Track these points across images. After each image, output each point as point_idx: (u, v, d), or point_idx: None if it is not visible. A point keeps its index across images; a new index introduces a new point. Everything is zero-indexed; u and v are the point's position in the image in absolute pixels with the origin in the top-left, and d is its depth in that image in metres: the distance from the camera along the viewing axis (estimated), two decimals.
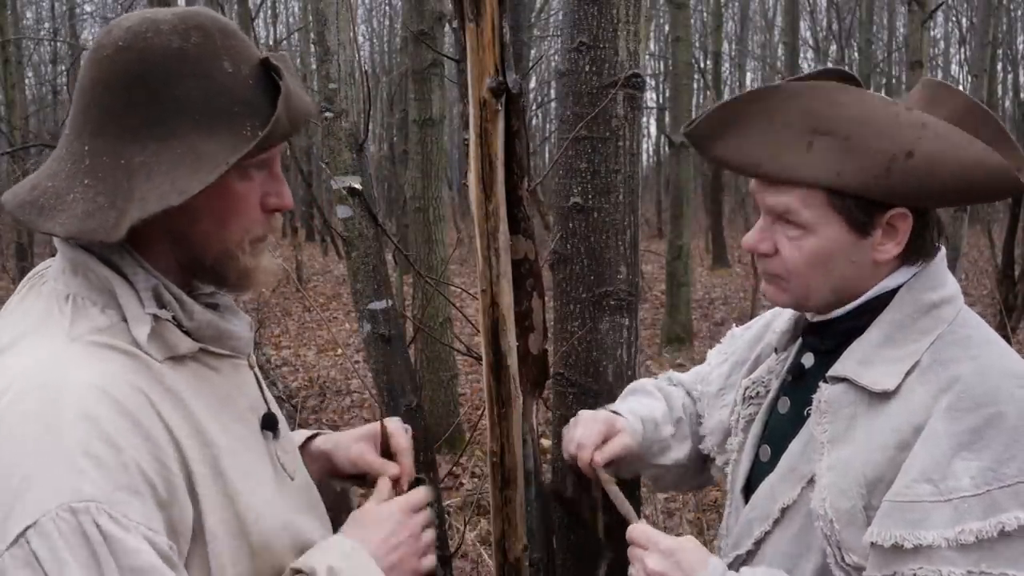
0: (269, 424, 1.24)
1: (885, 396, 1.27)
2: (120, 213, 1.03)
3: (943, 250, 1.38)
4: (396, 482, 1.41)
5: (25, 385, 1.01)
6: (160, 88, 1.06)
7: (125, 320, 1.09)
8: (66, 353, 1.04)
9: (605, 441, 1.59)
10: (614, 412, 1.69)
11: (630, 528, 1.37)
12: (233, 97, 1.09)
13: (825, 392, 1.34)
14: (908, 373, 1.27)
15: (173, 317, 1.11)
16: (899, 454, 1.22)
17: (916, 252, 1.33)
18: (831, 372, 1.34)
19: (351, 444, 1.45)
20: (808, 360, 1.44)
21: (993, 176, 1.24)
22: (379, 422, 1.46)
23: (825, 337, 1.40)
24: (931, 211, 1.33)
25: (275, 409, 1.28)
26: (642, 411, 1.69)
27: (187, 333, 1.13)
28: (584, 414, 1.65)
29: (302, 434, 1.47)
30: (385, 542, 1.26)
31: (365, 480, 1.46)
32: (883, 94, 1.45)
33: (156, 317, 1.09)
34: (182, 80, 1.07)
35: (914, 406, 1.24)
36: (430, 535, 1.33)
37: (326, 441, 1.46)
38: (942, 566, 1.15)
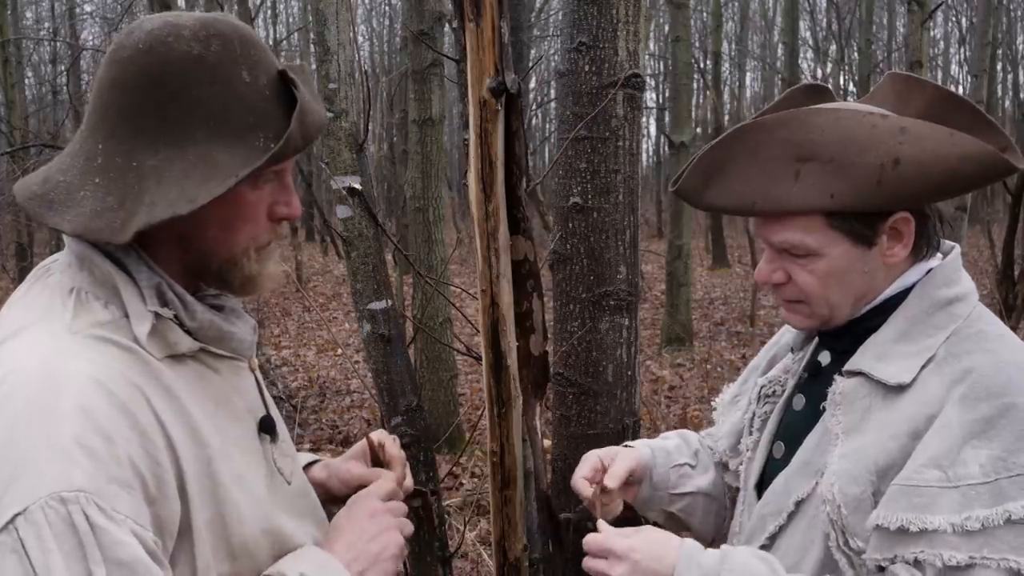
0: (267, 427, 1.24)
1: (900, 389, 1.28)
2: (128, 215, 1.04)
3: (958, 248, 1.39)
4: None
5: (23, 375, 1.02)
6: (177, 94, 1.07)
7: (127, 316, 1.09)
8: (65, 345, 1.05)
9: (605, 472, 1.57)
10: (625, 446, 1.68)
11: (584, 540, 1.35)
12: (249, 107, 1.10)
13: (840, 385, 1.35)
14: (923, 367, 1.28)
15: (175, 316, 1.12)
16: (912, 443, 1.23)
17: (925, 246, 1.34)
18: (847, 367, 1.35)
19: (341, 466, 1.45)
20: (825, 358, 1.45)
21: (982, 164, 1.25)
22: (365, 438, 1.46)
23: (842, 337, 1.41)
24: (929, 206, 1.34)
25: (274, 413, 1.28)
26: (653, 443, 1.69)
27: (189, 333, 1.13)
28: None
29: (304, 458, 1.47)
30: (346, 540, 1.25)
31: None
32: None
33: (158, 315, 1.10)
34: (199, 87, 1.07)
35: (928, 397, 1.25)
36: (389, 519, 1.31)
37: (322, 469, 1.46)
38: (944, 550, 1.16)
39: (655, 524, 1.62)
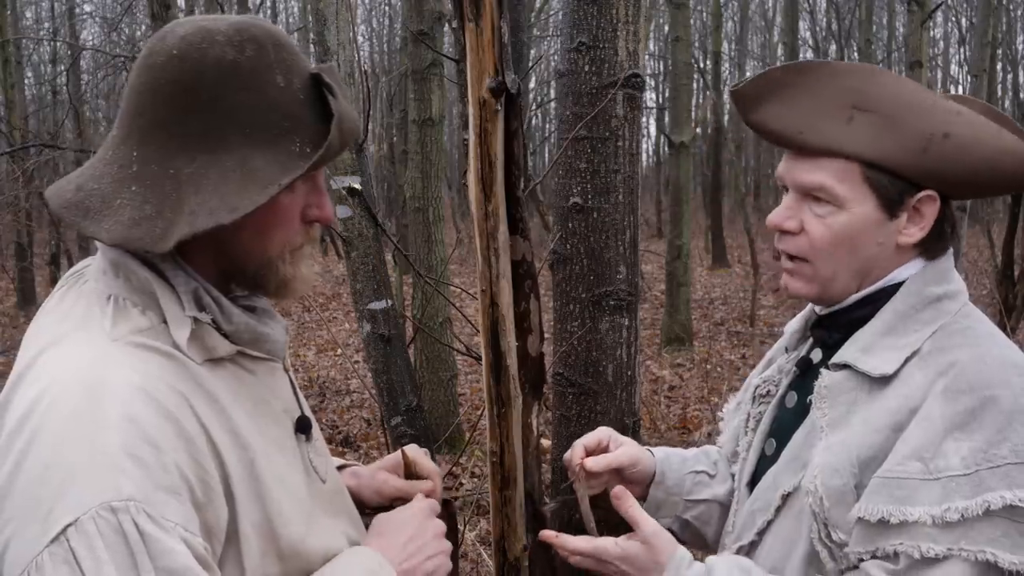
0: (303, 427, 1.25)
1: (884, 382, 1.29)
2: (168, 224, 1.04)
3: (951, 250, 1.40)
4: (428, 498, 1.43)
5: (67, 385, 1.01)
6: (211, 100, 1.06)
7: (165, 322, 1.09)
8: (107, 353, 1.04)
9: (605, 452, 1.58)
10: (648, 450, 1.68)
11: (574, 543, 1.41)
12: (283, 112, 1.09)
13: (826, 378, 1.36)
14: (908, 360, 1.28)
15: (212, 320, 1.11)
16: (894, 435, 1.24)
17: (935, 241, 1.35)
18: (833, 359, 1.36)
19: (374, 475, 1.46)
20: (816, 355, 1.45)
21: (1020, 162, 1.29)
22: (400, 451, 1.47)
23: (832, 330, 1.41)
24: (950, 203, 1.35)
25: (308, 412, 1.28)
26: (670, 449, 1.69)
27: (225, 336, 1.13)
28: None
29: (333, 462, 1.47)
30: (404, 547, 1.26)
31: (392, 508, 1.46)
32: None
33: (196, 320, 1.09)
34: (234, 93, 1.07)
35: (911, 390, 1.26)
36: (447, 542, 1.34)
37: (350, 477, 1.47)
38: (922, 542, 1.17)
39: (669, 531, 1.63)
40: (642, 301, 2.61)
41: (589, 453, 1.57)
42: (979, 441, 1.17)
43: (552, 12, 17.96)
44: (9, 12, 14.20)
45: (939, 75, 30.64)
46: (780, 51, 24.90)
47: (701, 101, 22.62)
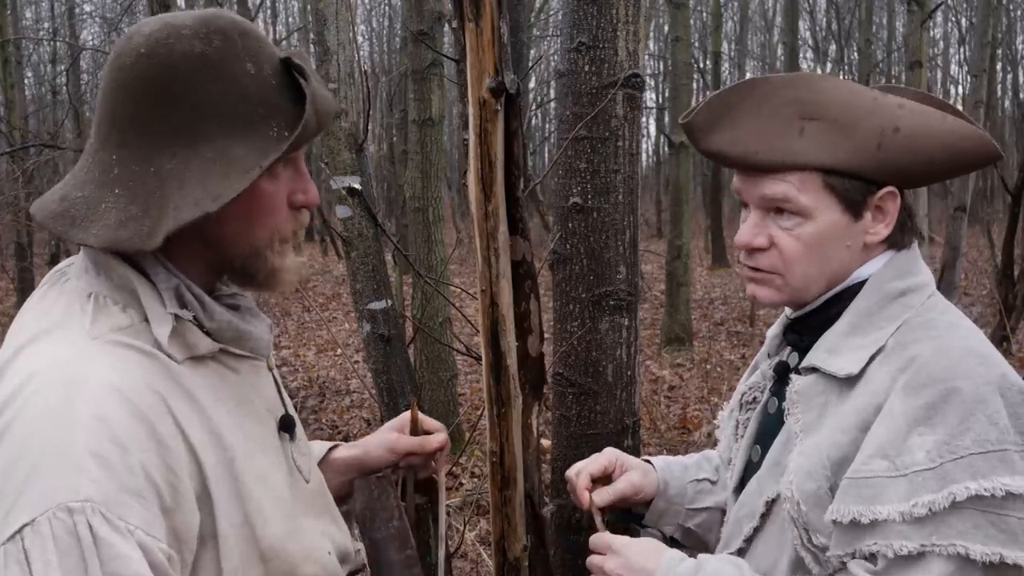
0: (286, 426, 1.25)
1: (852, 382, 1.29)
2: (155, 222, 1.04)
3: (916, 242, 1.40)
4: (440, 451, 1.50)
5: (44, 382, 1.01)
6: (184, 94, 1.06)
7: (146, 320, 1.09)
8: (86, 351, 1.04)
9: (609, 478, 1.58)
10: (646, 460, 1.68)
11: (591, 540, 1.43)
12: (257, 99, 1.09)
13: (797, 383, 1.36)
14: (873, 358, 1.28)
15: (194, 317, 1.11)
16: (861, 435, 1.24)
17: (899, 234, 1.35)
18: (803, 363, 1.36)
19: (382, 436, 1.49)
20: (793, 359, 1.45)
21: (976, 144, 1.29)
22: (409, 410, 1.52)
23: (804, 333, 1.40)
24: (907, 195, 1.35)
25: (292, 411, 1.29)
26: (670, 459, 1.69)
27: (207, 334, 1.13)
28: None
29: (322, 445, 1.48)
30: None
31: (398, 467, 1.50)
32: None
33: (177, 317, 1.09)
34: (205, 85, 1.07)
35: (876, 388, 1.25)
36: None
37: (352, 447, 1.49)
38: (895, 540, 1.16)
39: (672, 539, 1.63)
40: (642, 301, 2.61)
41: (594, 479, 1.57)
42: (942, 434, 1.17)
43: (552, 12, 17.95)
44: (9, 12, 14.19)
45: (939, 75, 30.64)
46: (780, 51, 24.89)
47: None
